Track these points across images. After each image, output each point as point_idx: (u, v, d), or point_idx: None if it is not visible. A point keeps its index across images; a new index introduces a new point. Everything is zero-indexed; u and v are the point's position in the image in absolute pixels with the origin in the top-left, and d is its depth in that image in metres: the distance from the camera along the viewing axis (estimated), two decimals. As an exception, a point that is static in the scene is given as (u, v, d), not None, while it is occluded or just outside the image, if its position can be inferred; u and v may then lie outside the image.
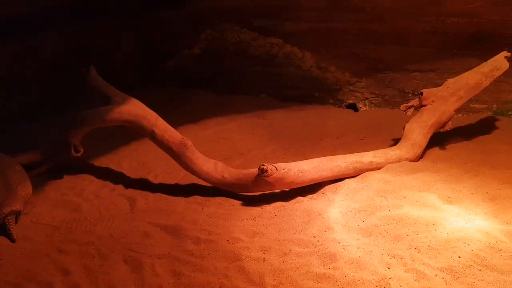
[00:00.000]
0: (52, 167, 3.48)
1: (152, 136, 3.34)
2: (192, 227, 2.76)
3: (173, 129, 3.38)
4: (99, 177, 3.47)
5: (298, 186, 3.14)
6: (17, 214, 2.74)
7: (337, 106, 5.18)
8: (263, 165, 2.96)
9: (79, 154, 3.43)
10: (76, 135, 3.44)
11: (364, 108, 5.07)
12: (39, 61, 4.67)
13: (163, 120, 3.40)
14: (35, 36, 4.57)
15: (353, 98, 5.15)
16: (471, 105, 4.37)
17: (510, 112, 4.28)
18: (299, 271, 2.28)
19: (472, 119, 4.26)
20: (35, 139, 3.86)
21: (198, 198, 3.14)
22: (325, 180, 3.19)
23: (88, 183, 3.37)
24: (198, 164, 3.24)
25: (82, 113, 3.46)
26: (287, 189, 3.18)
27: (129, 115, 3.38)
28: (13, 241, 2.61)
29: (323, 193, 3.11)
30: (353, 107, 5.11)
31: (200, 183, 3.30)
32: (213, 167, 3.21)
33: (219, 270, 2.32)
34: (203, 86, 5.77)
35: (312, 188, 3.15)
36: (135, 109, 3.41)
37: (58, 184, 3.33)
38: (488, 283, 2.07)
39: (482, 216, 2.62)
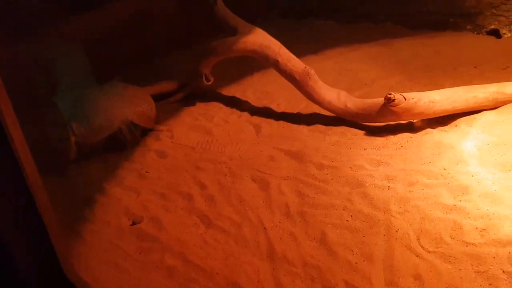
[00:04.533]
0: (187, 95, 3.78)
1: (276, 65, 3.39)
2: (315, 153, 2.82)
3: (296, 58, 3.38)
4: (227, 105, 3.68)
5: (428, 117, 2.96)
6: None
7: (475, 33, 4.62)
8: (390, 94, 2.84)
9: (209, 83, 3.66)
10: (206, 65, 3.65)
11: (509, 35, 4.44)
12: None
13: (286, 49, 3.41)
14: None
15: (496, 23, 4.52)
16: None
17: None
18: (426, 201, 2.22)
19: None
20: (170, 71, 4.20)
21: (320, 127, 3.16)
22: (459, 112, 2.95)
23: (218, 110, 3.60)
24: (321, 93, 3.23)
25: (211, 44, 3.63)
26: (414, 120, 3.03)
27: (253, 44, 3.45)
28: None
29: (456, 126, 2.90)
30: (496, 33, 4.50)
31: (322, 113, 3.31)
32: (335, 97, 3.17)
33: (342, 194, 2.37)
34: (325, 15, 5.57)
35: (443, 119, 2.95)
36: (259, 38, 3.46)
37: (191, 110, 3.63)
38: None
39: None
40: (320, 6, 5.60)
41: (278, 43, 3.43)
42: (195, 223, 2.30)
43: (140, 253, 2.13)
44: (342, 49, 4.66)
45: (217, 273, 1.93)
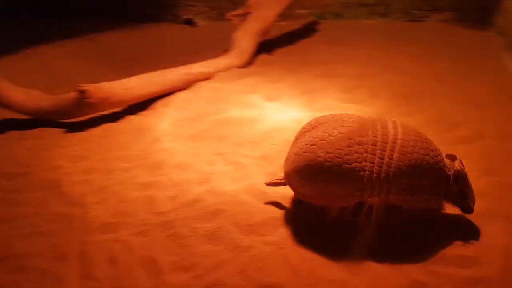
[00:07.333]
0: None
1: None
2: (8, 164, 2.49)
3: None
4: None
5: (127, 104, 3.03)
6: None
7: (174, 23, 5.02)
8: (81, 85, 2.75)
9: None
10: None
11: (201, 23, 4.99)
12: None
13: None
14: None
15: (190, 13, 5.02)
16: (296, 11, 4.59)
17: (329, 15, 4.61)
18: (124, 185, 2.25)
19: (297, 24, 4.49)
20: None
21: (13, 133, 2.82)
22: (156, 95, 3.12)
23: None
24: (9, 95, 2.86)
25: None
26: (118, 109, 3.04)
27: None
28: None
29: (155, 109, 3.06)
30: (190, 22, 4.99)
31: (16, 117, 2.95)
32: (25, 96, 2.87)
33: (36, 200, 2.15)
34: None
35: (143, 105, 3.07)
36: None
37: None
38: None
39: (296, 107, 2.87)
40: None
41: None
42: None
43: None
44: (42, 48, 4.30)
45: None
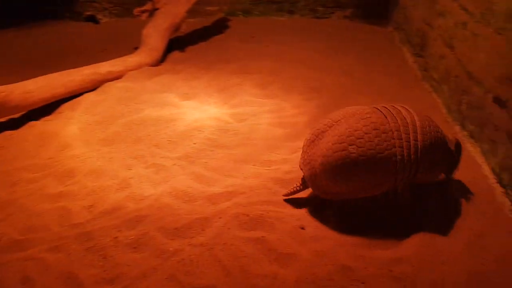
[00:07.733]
0: None
1: None
2: None
3: None
4: None
5: (28, 109, 2.76)
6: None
7: (74, 20, 4.68)
8: (-29, 90, 2.44)
9: None
10: None
11: (105, 20, 4.72)
12: None
13: None
14: None
15: (92, 9, 4.72)
16: (206, 8, 4.55)
17: (238, 12, 4.64)
18: (32, 197, 2.05)
19: (208, 21, 4.45)
20: None
21: None
22: (60, 97, 2.90)
23: None
24: None
25: None
26: (17, 115, 2.76)
27: None
28: None
29: (60, 112, 2.83)
30: (93, 19, 4.70)
31: None
32: None
33: None
34: None
35: (47, 109, 2.83)
36: None
37: None
38: (218, 159, 2.29)
39: (214, 105, 2.84)
40: None
41: None
42: None
43: None
44: None
45: None
